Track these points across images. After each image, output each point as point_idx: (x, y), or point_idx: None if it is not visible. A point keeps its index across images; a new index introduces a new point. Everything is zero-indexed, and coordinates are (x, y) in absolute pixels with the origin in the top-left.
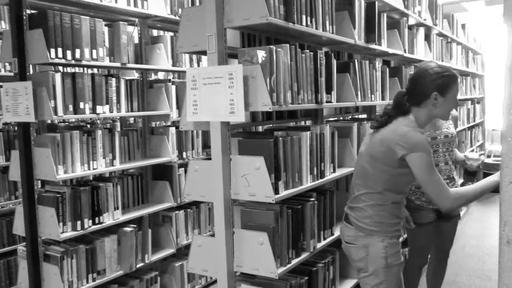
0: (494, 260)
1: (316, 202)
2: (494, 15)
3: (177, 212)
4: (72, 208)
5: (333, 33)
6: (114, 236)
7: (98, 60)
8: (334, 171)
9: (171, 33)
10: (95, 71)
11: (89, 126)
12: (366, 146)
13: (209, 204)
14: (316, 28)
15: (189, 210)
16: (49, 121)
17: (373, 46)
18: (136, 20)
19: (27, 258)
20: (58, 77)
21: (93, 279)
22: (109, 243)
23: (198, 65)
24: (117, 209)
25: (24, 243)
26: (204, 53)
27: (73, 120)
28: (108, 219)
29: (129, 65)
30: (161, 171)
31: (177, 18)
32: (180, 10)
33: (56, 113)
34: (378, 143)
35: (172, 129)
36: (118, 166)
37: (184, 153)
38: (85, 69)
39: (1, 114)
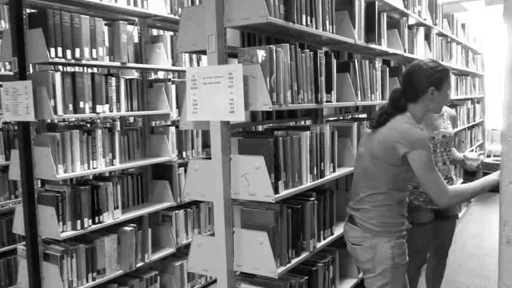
0: (494, 259)
1: (316, 202)
2: (494, 15)
3: (177, 211)
4: (72, 207)
5: (333, 32)
6: (114, 235)
7: (97, 59)
8: (334, 170)
9: (171, 33)
10: (95, 70)
11: (88, 125)
12: (365, 146)
13: (209, 204)
14: (316, 28)
15: (189, 209)
16: (49, 120)
17: (373, 46)
18: (136, 19)
19: (27, 258)
20: (58, 76)
21: (93, 279)
22: (109, 243)
23: (198, 65)
24: (117, 208)
25: (24, 242)
26: (204, 52)
27: (73, 119)
28: (108, 218)
29: (129, 65)
30: (161, 170)
31: (177, 17)
32: (180, 9)
33: (55, 112)
34: (378, 142)
35: (172, 129)
36: (118, 165)
37: (184, 153)
38: (85, 68)
39: (1, 113)
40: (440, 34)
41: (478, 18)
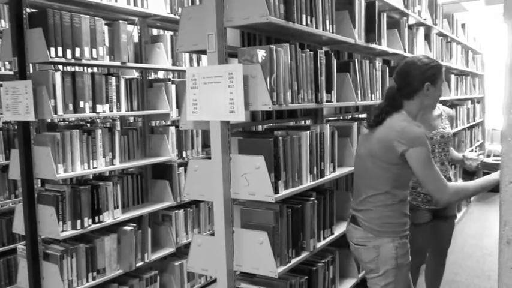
0: (493, 259)
1: (316, 201)
2: (494, 14)
3: (176, 211)
4: (72, 207)
5: (333, 32)
6: (114, 235)
7: (97, 59)
8: (334, 170)
9: (171, 32)
10: (95, 70)
11: (88, 125)
12: (363, 147)
13: (209, 204)
14: (316, 27)
15: (188, 209)
16: (49, 120)
17: (373, 46)
18: (136, 19)
19: (27, 257)
20: (58, 76)
21: (93, 278)
22: (109, 242)
23: (198, 64)
24: (117, 208)
25: (24, 242)
26: (204, 52)
27: (73, 119)
28: (108, 218)
29: (129, 64)
30: (161, 170)
31: (177, 17)
32: (180, 9)
33: (55, 112)
34: (377, 141)
35: (172, 129)
36: (118, 165)
37: (184, 153)
38: (85, 68)
39: (1, 113)
40: (440, 34)
41: (478, 18)
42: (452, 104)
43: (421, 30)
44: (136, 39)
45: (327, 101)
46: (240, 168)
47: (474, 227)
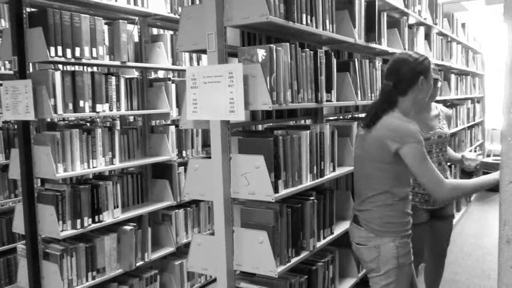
0: (493, 259)
1: (315, 201)
2: (494, 14)
3: (176, 210)
4: (72, 206)
5: (333, 32)
6: (113, 234)
7: (97, 58)
8: (334, 170)
9: (171, 32)
10: (95, 69)
11: (88, 124)
12: (360, 148)
13: (209, 203)
14: (316, 27)
15: (188, 208)
16: (49, 119)
17: (373, 45)
18: (136, 18)
19: (26, 257)
20: (58, 75)
21: (93, 278)
22: (109, 242)
23: (198, 64)
24: (117, 207)
25: (24, 241)
26: (204, 51)
27: (73, 118)
28: (108, 217)
29: (129, 64)
30: (161, 169)
31: (177, 16)
32: (180, 9)
33: (55, 111)
34: (372, 142)
35: (172, 128)
36: (118, 165)
37: (184, 152)
38: (85, 67)
39: (1, 112)
40: (440, 33)
41: (478, 17)
42: (452, 104)
43: (421, 29)
44: (136, 39)
45: (327, 101)
46: (240, 167)
47: (474, 226)
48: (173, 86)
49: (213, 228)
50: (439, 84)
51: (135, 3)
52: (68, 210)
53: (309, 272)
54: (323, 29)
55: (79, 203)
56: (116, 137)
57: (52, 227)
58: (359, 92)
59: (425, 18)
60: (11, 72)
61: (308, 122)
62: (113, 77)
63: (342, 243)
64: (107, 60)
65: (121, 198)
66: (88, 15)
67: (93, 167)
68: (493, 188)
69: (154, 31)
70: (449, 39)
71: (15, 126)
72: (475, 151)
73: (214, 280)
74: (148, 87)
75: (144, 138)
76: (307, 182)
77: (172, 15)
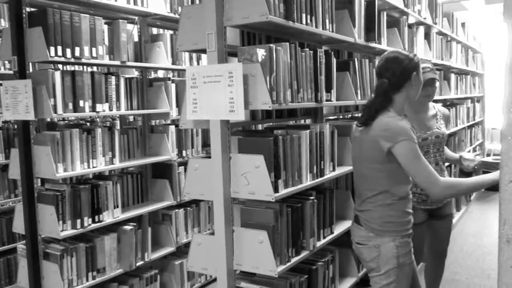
0: (493, 258)
1: (315, 201)
2: (494, 13)
3: (176, 210)
4: (72, 206)
5: (332, 31)
6: (113, 234)
7: (97, 58)
8: (333, 169)
9: (171, 32)
10: (95, 69)
11: (88, 124)
12: (357, 149)
13: (209, 203)
14: (316, 27)
15: (188, 208)
16: (49, 119)
17: (373, 45)
18: (136, 18)
19: (27, 257)
20: (58, 75)
21: (93, 278)
22: (109, 242)
23: (198, 63)
24: (117, 207)
25: (24, 241)
26: (204, 51)
27: (72, 118)
28: (108, 217)
29: (128, 63)
30: (161, 169)
31: (176, 16)
32: (179, 8)
33: (55, 111)
34: (366, 143)
35: (172, 128)
36: (118, 164)
37: (184, 152)
38: (85, 67)
39: (1, 112)
40: (440, 33)
41: (478, 17)
42: (452, 103)
43: (421, 29)
44: (136, 39)
45: (326, 100)
46: (240, 167)
47: (474, 226)
48: (173, 85)
49: (213, 228)
50: (437, 83)
51: (135, 3)
52: (68, 210)
53: (309, 271)
54: (323, 29)
55: (79, 203)
56: (115, 137)
57: (52, 227)
58: (359, 91)
59: (425, 18)
60: (11, 72)
61: (308, 121)
62: (113, 77)
63: (342, 242)
64: (106, 60)
65: (121, 198)
66: (88, 15)
67: (93, 167)
68: (493, 187)
69: (154, 31)
70: (449, 38)
71: (15, 126)
72: (475, 150)
73: (215, 280)
74: (148, 87)
75: (144, 138)
76: (307, 181)
77: (172, 14)
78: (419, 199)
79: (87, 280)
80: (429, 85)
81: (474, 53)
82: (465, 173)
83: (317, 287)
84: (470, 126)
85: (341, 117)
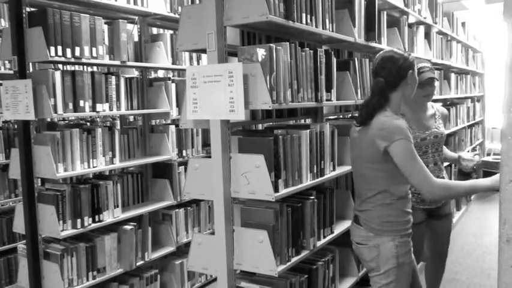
0: (493, 258)
1: (316, 200)
2: (494, 13)
3: (177, 210)
4: (72, 206)
5: (332, 31)
6: (114, 234)
7: (97, 58)
8: (334, 169)
9: (171, 31)
10: (95, 69)
11: (88, 124)
12: (355, 150)
13: (209, 203)
14: (316, 26)
15: (189, 208)
16: (49, 119)
17: (373, 44)
18: (136, 18)
19: (27, 256)
20: (58, 75)
21: (93, 277)
22: (109, 241)
23: (198, 63)
24: (117, 207)
25: (24, 241)
26: (204, 51)
27: (73, 118)
28: (108, 217)
29: (128, 63)
30: (161, 169)
31: (176, 16)
32: (179, 8)
33: (55, 111)
34: (363, 143)
35: (172, 127)
36: (118, 164)
37: (184, 151)
38: (85, 67)
39: (1, 112)
40: (440, 32)
41: (478, 16)
42: (452, 103)
43: (421, 28)
44: (136, 38)
45: (326, 100)
46: (240, 167)
47: (474, 225)
48: (173, 85)
49: (213, 228)
50: (436, 83)
51: (135, 3)
52: (68, 210)
53: (309, 271)
54: (323, 28)
55: (79, 203)
56: (116, 137)
57: (52, 226)
58: (359, 91)
59: (425, 17)
60: (11, 72)
61: (308, 121)
62: (113, 77)
63: (342, 242)
64: (106, 60)
65: (121, 197)
66: (88, 15)
67: (94, 167)
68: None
69: (154, 30)
70: (449, 38)
71: (15, 126)
72: (475, 149)
73: (215, 279)
74: (148, 86)
75: (144, 138)
76: (307, 181)
77: (172, 14)
78: (418, 199)
79: (88, 280)
80: (428, 84)
81: (474, 52)
82: (464, 173)
83: (317, 287)
84: (471, 126)
85: (341, 116)
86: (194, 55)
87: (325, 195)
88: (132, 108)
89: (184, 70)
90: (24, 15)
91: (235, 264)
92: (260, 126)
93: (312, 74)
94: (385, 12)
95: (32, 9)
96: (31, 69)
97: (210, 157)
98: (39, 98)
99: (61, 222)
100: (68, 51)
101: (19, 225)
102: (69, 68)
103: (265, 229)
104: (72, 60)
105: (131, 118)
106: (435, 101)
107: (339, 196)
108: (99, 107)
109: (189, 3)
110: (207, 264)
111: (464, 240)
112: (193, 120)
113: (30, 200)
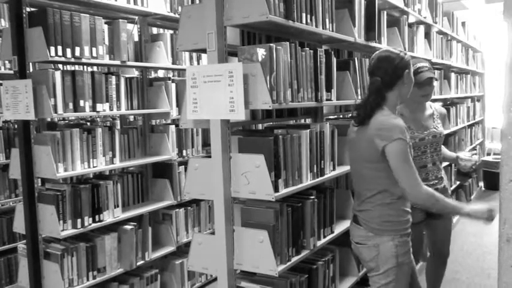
0: (493, 257)
1: (316, 200)
2: (494, 13)
3: (177, 210)
4: (73, 206)
5: (332, 31)
6: (114, 233)
7: (97, 58)
8: (334, 169)
9: (171, 31)
10: (95, 69)
11: (88, 124)
12: (353, 150)
13: (209, 202)
14: (316, 26)
15: (189, 208)
16: (49, 119)
17: (373, 44)
18: (136, 17)
19: (27, 256)
20: (58, 75)
21: (94, 277)
22: (109, 241)
23: (198, 63)
24: (117, 207)
25: (25, 241)
26: (204, 51)
27: (73, 118)
28: (108, 217)
29: (129, 63)
30: (161, 169)
31: (176, 16)
32: (179, 8)
33: (55, 111)
34: (363, 142)
35: (172, 127)
36: (118, 164)
37: (184, 151)
38: (85, 67)
39: (1, 112)
40: (440, 32)
41: (478, 16)
42: (452, 102)
43: (421, 28)
44: (136, 38)
45: (326, 100)
46: (240, 167)
47: (474, 225)
48: (173, 85)
49: (214, 228)
50: (435, 83)
51: (135, 3)
52: (68, 210)
53: (309, 271)
54: (323, 28)
55: (79, 203)
56: (116, 137)
57: (52, 226)
58: (359, 90)
59: (425, 17)
60: (11, 72)
61: (308, 121)
62: (113, 77)
63: (342, 242)
64: (106, 60)
65: (121, 197)
66: (88, 15)
67: (94, 167)
68: (493, 186)
69: (154, 30)
70: (449, 37)
71: (16, 126)
72: (474, 149)
73: (215, 279)
74: (148, 86)
75: (145, 138)
76: (308, 181)
77: (172, 14)
78: None
79: (88, 280)
80: (427, 84)
81: (474, 52)
82: (463, 173)
83: (317, 287)
84: (471, 126)
85: (341, 116)
86: (194, 55)
87: (325, 195)
88: (132, 108)
89: (184, 70)
90: (24, 15)
91: (236, 264)
92: (260, 126)
93: (312, 74)
94: (385, 12)
95: (32, 9)
96: (31, 69)
97: (210, 157)
98: (39, 98)
99: (61, 222)
100: (68, 51)
101: (19, 225)
102: (69, 68)
103: (265, 229)
104: (72, 60)
105: (131, 118)
106: (435, 100)
107: (339, 196)
108: (99, 106)
109: (189, 3)
110: (207, 264)
111: (464, 240)
112: (193, 120)
113: (31, 200)
